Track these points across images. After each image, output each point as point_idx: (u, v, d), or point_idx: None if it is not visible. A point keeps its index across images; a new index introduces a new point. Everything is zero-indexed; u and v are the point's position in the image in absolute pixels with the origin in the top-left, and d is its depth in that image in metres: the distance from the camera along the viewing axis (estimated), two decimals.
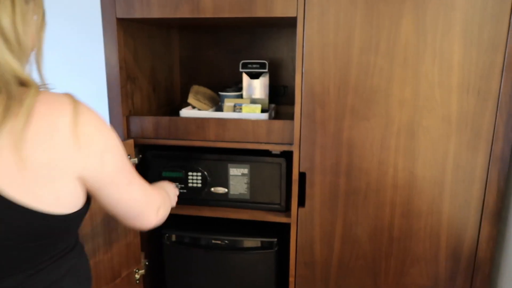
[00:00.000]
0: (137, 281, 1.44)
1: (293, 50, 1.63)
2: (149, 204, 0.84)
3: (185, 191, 1.43)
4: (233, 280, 1.46)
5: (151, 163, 1.43)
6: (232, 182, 1.39)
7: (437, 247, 1.26)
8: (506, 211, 1.22)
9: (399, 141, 1.20)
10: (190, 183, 1.43)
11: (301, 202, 1.32)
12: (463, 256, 1.25)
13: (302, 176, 1.29)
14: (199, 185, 1.42)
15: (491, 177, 1.17)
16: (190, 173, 1.41)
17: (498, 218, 1.19)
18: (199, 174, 1.41)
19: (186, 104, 1.51)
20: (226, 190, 1.40)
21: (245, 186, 1.39)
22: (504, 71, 1.10)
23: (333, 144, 1.24)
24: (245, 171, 1.38)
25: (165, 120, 1.34)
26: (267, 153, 1.38)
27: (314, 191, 1.30)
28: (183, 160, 1.41)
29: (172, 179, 1.38)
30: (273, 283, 1.45)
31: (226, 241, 1.43)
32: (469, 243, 1.23)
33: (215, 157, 1.39)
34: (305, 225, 1.33)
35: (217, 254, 1.45)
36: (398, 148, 1.21)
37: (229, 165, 1.38)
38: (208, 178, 1.41)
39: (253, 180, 1.38)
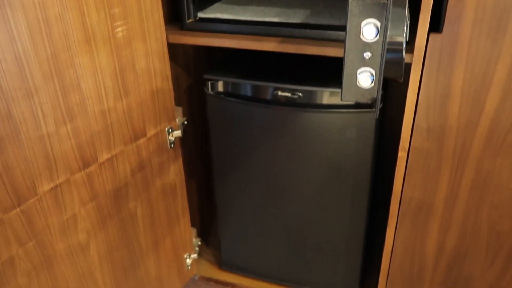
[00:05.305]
0: (172, 145, 1.03)
1: None
2: None
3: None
4: (308, 153, 0.98)
5: None
6: None
7: None
8: None
9: None
10: None
11: (435, 25, 0.74)
12: None
13: None
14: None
15: None
16: None
17: None
18: None
19: None
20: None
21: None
22: None
23: None
24: None
25: None
26: None
27: (465, 1, 0.70)
28: None
29: None
30: (369, 159, 0.95)
31: (300, 94, 0.92)
32: None
33: None
34: (438, 64, 0.76)
35: (284, 112, 0.95)
36: None
37: None
38: None
39: None
